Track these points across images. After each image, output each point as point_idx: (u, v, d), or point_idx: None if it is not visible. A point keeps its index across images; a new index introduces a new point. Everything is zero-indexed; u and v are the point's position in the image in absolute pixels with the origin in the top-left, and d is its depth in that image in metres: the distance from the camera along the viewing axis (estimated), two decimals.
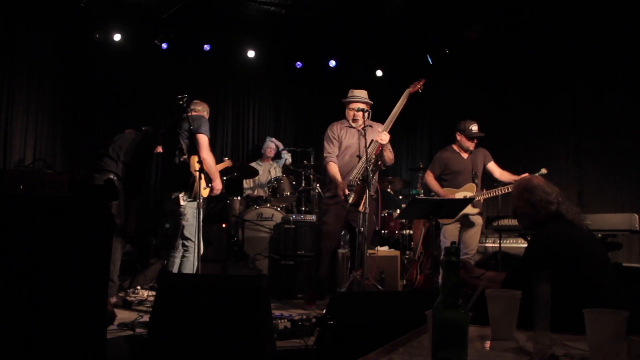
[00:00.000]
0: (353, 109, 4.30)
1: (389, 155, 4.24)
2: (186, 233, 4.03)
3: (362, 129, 4.01)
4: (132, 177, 4.24)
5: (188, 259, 4.02)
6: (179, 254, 4.12)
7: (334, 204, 4.17)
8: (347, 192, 3.97)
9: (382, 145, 4.05)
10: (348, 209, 3.98)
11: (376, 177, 4.31)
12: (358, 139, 4.27)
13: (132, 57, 7.02)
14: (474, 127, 4.71)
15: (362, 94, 4.38)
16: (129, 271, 5.15)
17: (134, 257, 5.48)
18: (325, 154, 4.34)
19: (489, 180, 5.08)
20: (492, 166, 4.86)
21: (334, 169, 4.24)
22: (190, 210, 4.03)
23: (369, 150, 3.92)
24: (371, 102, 4.36)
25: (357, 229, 3.91)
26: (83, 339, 1.67)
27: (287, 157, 7.03)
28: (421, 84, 4.36)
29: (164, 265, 4.35)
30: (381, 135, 4.02)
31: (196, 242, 4.06)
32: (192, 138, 4.03)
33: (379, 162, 4.17)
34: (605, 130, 5.35)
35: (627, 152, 5.10)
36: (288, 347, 2.93)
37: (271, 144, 6.94)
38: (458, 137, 4.81)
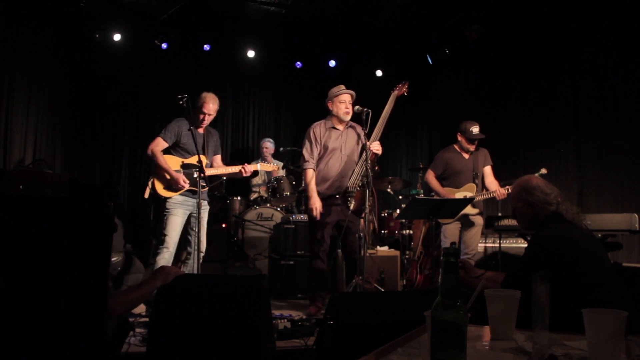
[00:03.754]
0: (345, 102, 4.18)
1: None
2: None
3: (365, 134, 3.90)
4: None
5: (160, 255, 4.11)
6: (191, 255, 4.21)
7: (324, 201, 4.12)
8: (318, 209, 3.98)
9: (375, 155, 3.98)
10: (350, 216, 3.93)
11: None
12: (343, 142, 4.19)
13: (132, 57, 7.02)
14: (475, 129, 4.71)
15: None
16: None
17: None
18: (305, 158, 4.18)
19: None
20: (488, 170, 4.88)
21: (311, 178, 4.13)
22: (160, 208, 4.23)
23: (362, 158, 3.87)
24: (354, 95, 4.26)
25: (357, 234, 3.88)
26: (83, 340, 1.67)
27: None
28: (405, 86, 4.32)
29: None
30: (373, 145, 3.94)
31: (197, 242, 4.09)
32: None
33: (376, 167, 4.16)
34: (605, 130, 5.35)
35: (627, 152, 5.09)
36: (288, 347, 2.94)
37: (266, 143, 6.80)
38: (459, 138, 4.82)
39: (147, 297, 2.21)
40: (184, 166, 4.18)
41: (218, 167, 4.38)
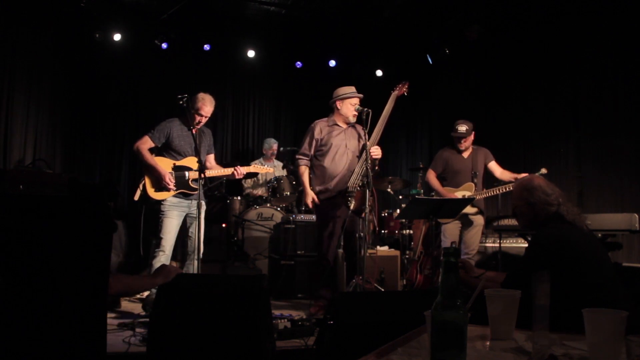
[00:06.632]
0: (355, 105, 4.18)
1: None
2: None
3: (365, 134, 3.92)
4: None
5: (156, 258, 4.02)
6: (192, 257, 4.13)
7: (327, 206, 4.12)
8: (313, 201, 4.09)
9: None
10: (350, 216, 3.93)
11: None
12: (346, 139, 4.21)
13: (132, 57, 7.02)
14: (461, 128, 4.72)
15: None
16: (129, 271, 5.15)
17: (133, 258, 5.49)
18: (300, 153, 4.25)
19: (489, 180, 5.08)
20: (493, 165, 4.88)
21: (305, 174, 4.21)
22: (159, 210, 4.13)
23: (362, 158, 3.87)
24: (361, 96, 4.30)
25: (357, 234, 3.87)
26: (83, 340, 1.67)
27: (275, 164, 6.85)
28: (405, 86, 4.32)
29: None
30: (373, 150, 3.95)
31: (195, 243, 4.06)
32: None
33: (377, 167, 4.15)
34: (605, 130, 5.35)
35: (627, 152, 5.09)
36: (288, 347, 2.94)
37: (274, 145, 6.83)
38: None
39: (144, 289, 2.20)
40: (176, 168, 4.09)
41: (211, 169, 4.30)
